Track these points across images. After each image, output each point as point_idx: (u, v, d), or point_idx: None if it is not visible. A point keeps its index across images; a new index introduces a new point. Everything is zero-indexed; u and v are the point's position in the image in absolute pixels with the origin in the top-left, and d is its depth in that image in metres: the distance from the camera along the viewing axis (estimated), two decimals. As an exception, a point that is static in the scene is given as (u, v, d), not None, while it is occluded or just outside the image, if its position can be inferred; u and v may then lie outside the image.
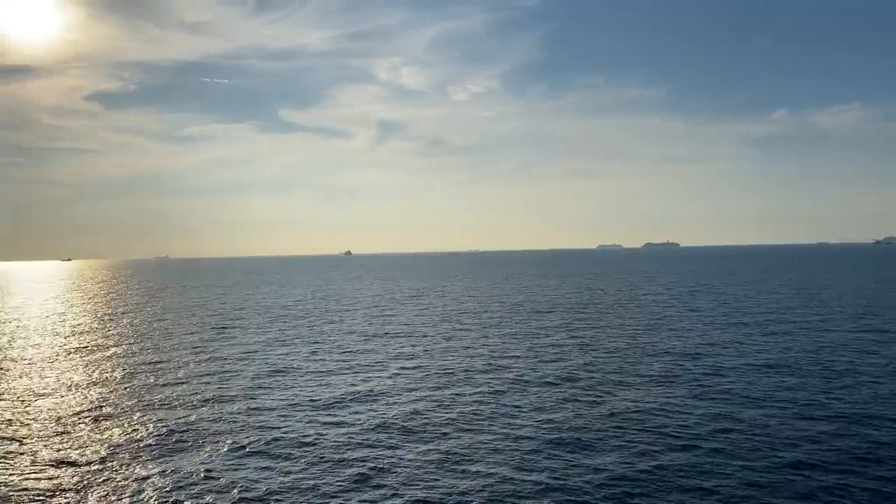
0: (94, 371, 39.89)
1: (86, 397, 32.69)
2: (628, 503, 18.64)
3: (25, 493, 20.09)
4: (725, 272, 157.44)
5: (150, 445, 24.46)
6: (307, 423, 27.12)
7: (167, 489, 20.06)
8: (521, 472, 21.00)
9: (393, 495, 19.38)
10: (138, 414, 29.09)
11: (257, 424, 26.97)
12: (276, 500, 19.21)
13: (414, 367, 38.69)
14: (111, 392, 33.81)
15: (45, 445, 24.74)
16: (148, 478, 21.07)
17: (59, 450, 24.18)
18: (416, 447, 23.66)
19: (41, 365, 42.47)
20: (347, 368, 38.90)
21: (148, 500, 19.28)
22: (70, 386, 35.56)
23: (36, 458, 23.33)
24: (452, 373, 36.80)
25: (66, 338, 56.57)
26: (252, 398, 31.67)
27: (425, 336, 52.60)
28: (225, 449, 23.85)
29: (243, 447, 24.00)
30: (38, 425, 27.57)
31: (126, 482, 20.73)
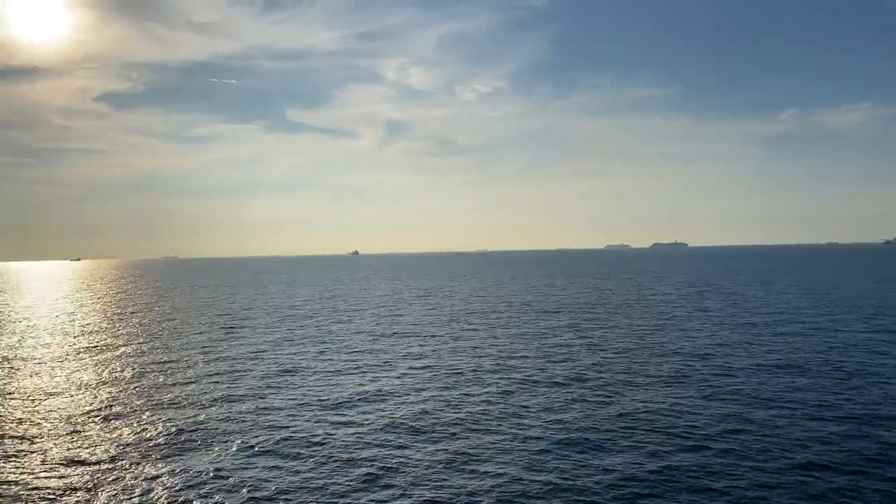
0: (103, 370, 40.05)
1: (96, 396, 32.83)
2: (638, 504, 18.61)
3: (36, 491, 20.18)
4: (734, 272, 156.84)
5: (159, 445, 24.53)
6: (316, 422, 27.15)
7: (177, 488, 20.11)
8: (530, 472, 20.97)
9: (402, 495, 19.38)
10: (148, 413, 29.19)
11: (266, 424, 27.02)
12: (286, 500, 19.23)
13: (422, 367, 38.69)
14: (121, 391, 33.94)
15: (55, 444, 24.85)
16: (158, 477, 21.14)
17: (69, 449, 24.28)
18: (425, 447, 23.66)
19: (51, 364, 42.66)
20: (356, 368, 38.93)
21: (158, 499, 19.34)
22: (80, 385, 35.71)
23: (46, 457, 23.44)
24: (461, 373, 36.78)
25: (75, 337, 56.81)
26: (261, 398, 31.74)
27: (433, 336, 52.60)
28: (234, 448, 23.90)
29: (252, 446, 24.05)
30: (49, 424, 27.69)
31: (136, 481, 20.80)
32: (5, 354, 47.30)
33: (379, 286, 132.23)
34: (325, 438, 24.86)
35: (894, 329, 50.57)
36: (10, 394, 33.87)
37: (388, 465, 21.82)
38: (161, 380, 36.68)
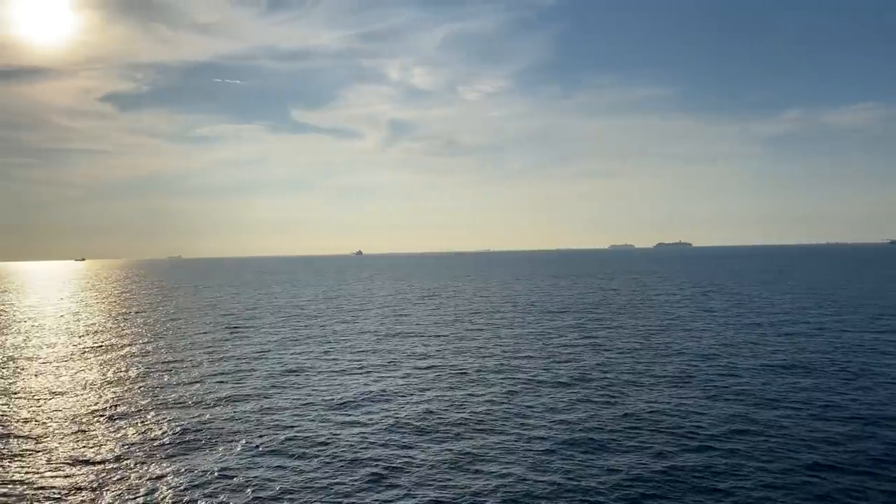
0: (108, 370, 40.13)
1: (101, 396, 32.89)
2: (643, 504, 18.57)
3: (42, 491, 20.22)
4: (738, 272, 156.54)
5: (164, 444, 24.57)
6: (321, 422, 27.16)
7: (182, 488, 20.13)
8: (535, 472, 20.95)
9: (406, 495, 19.37)
10: (153, 413, 29.24)
11: (271, 424, 27.04)
12: (291, 500, 19.24)
13: (427, 367, 38.68)
14: (126, 391, 34.00)
15: (61, 444, 24.91)
16: (163, 476, 21.16)
17: (75, 448, 24.33)
18: (430, 447, 23.65)
19: (56, 364, 42.76)
20: (360, 368, 38.95)
21: (163, 499, 19.37)
22: (85, 385, 35.78)
23: (52, 456, 23.48)
24: (465, 373, 36.77)
25: (80, 337, 56.93)
26: (266, 397, 31.76)
27: (438, 336, 52.59)
28: (239, 448, 23.92)
29: (257, 446, 24.07)
30: (54, 424, 27.75)
31: (141, 481, 20.83)
32: (11, 354, 47.42)
33: (383, 286, 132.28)
34: (329, 438, 24.87)
35: (900, 329, 50.36)
36: (15, 393, 33.96)
37: (393, 465, 21.82)
38: (166, 379, 36.74)
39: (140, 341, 53.26)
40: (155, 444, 24.56)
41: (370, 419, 27.51)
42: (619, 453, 22.59)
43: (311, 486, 20.19)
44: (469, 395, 31.51)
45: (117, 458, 23.03)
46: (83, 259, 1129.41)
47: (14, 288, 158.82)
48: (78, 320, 72.44)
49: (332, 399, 31.17)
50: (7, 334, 59.85)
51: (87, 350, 48.98)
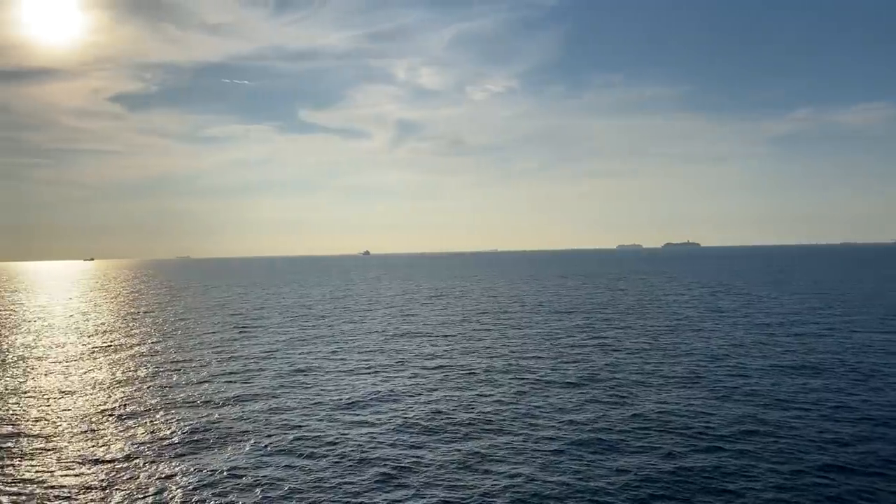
0: (118, 370, 40.29)
1: (110, 396, 33.02)
2: (652, 505, 18.53)
3: (52, 490, 20.31)
4: (747, 272, 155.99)
5: (173, 443, 24.64)
6: (329, 422, 27.20)
7: (191, 487, 20.19)
8: (543, 472, 20.92)
9: (415, 495, 19.37)
10: (162, 412, 29.33)
11: (280, 423, 27.09)
12: (300, 499, 19.26)
13: (435, 367, 38.69)
14: (135, 390, 34.12)
15: (70, 443, 25.02)
16: (172, 476, 21.23)
17: (84, 447, 24.43)
18: (438, 447, 23.64)
19: (66, 363, 42.96)
20: (368, 368, 38.98)
21: (172, 498, 19.42)
22: (95, 384, 35.93)
23: (62, 455, 23.59)
24: (474, 373, 36.75)
25: (90, 336, 57.18)
26: (274, 397, 31.82)
27: (445, 336, 52.59)
28: (248, 447, 23.97)
29: (266, 446, 24.11)
30: (64, 423, 27.88)
31: (151, 480, 20.90)
32: (21, 354, 47.67)
33: (390, 286, 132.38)
34: (338, 438, 24.89)
35: (910, 330, 50.09)
36: (26, 392, 34.13)
37: (402, 465, 21.82)
38: (175, 379, 36.85)
39: (149, 341, 53.45)
40: (164, 444, 24.64)
41: (379, 419, 27.53)
42: (628, 454, 22.54)
43: (320, 486, 20.22)
44: (477, 395, 31.49)
45: (127, 458, 23.12)
46: (92, 259, 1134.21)
47: (24, 288, 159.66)
48: (87, 320, 72.76)
49: (341, 399, 31.20)
50: (17, 334, 60.17)
51: (96, 350, 49.19)
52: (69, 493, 20.02)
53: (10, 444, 24.96)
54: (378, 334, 54.70)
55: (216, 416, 28.53)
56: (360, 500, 19.17)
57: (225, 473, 21.31)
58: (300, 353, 44.97)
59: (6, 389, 35.00)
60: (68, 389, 34.68)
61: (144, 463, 22.54)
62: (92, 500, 19.42)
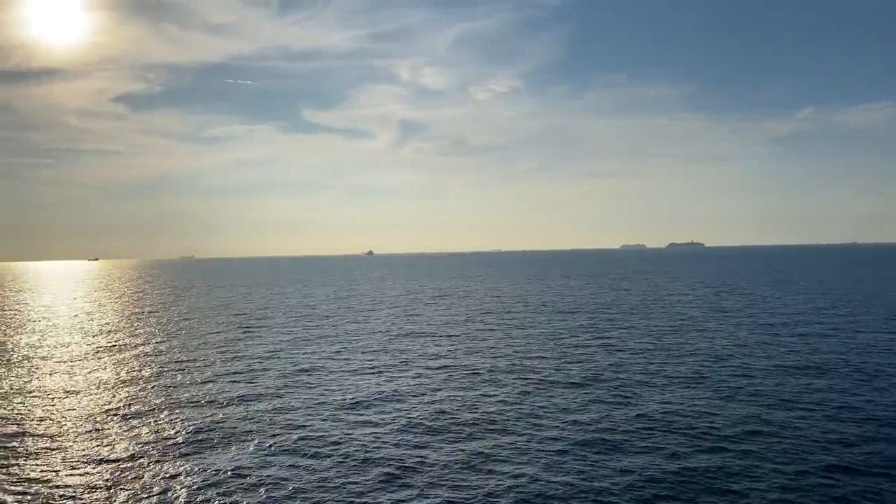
0: (122, 369, 40.37)
1: (115, 395, 33.09)
2: (656, 505, 18.51)
3: (57, 489, 20.36)
4: (751, 272, 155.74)
5: (178, 443, 24.69)
6: (333, 422, 27.22)
7: (196, 487, 20.22)
8: (547, 472, 20.91)
9: (419, 495, 19.38)
10: (166, 412, 29.38)
11: (284, 423, 27.12)
12: (304, 499, 19.29)
13: (439, 367, 38.69)
14: (140, 390, 34.19)
15: (75, 442, 25.07)
16: (177, 475, 21.26)
17: (89, 447, 24.49)
18: (442, 447, 23.65)
19: (71, 363, 43.05)
20: (372, 368, 39.00)
21: (177, 498, 19.46)
22: (99, 384, 36.01)
23: (67, 455, 23.64)
24: (477, 373, 36.76)
25: (94, 336, 57.30)
26: (278, 397, 31.87)
27: (449, 336, 52.61)
28: (252, 447, 24.00)
29: (270, 446, 24.14)
30: (69, 423, 27.94)
31: (155, 479, 20.94)
32: (26, 353, 47.79)
33: (394, 286, 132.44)
34: (342, 438, 24.91)
35: (915, 330, 49.95)
36: (30, 392, 34.22)
37: (406, 465, 21.84)
38: (179, 379, 36.92)
39: (153, 341, 53.55)
40: (168, 443, 24.69)
41: (383, 419, 27.55)
42: (633, 454, 22.53)
43: (325, 486, 20.24)
44: (481, 395, 31.50)
45: (131, 457, 23.17)
46: (96, 259, 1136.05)
47: (28, 288, 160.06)
48: (91, 320, 72.92)
49: (345, 399, 31.23)
50: (22, 334, 60.32)
51: (100, 349, 49.30)
52: (74, 492, 20.07)
53: (15, 444, 25.04)
54: (382, 334, 54.73)
55: (220, 415, 28.57)
56: (364, 500, 19.19)
57: (229, 473, 21.34)
58: (304, 353, 45.02)
59: (11, 389, 35.10)
60: (73, 389, 34.77)
61: (149, 462, 22.59)
62: (97, 500, 19.47)
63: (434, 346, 47.54)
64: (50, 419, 28.63)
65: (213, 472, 21.42)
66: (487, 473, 20.97)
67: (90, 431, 26.56)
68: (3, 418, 28.93)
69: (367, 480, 20.59)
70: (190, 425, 27.00)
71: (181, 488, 20.15)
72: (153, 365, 41.73)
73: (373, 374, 37.33)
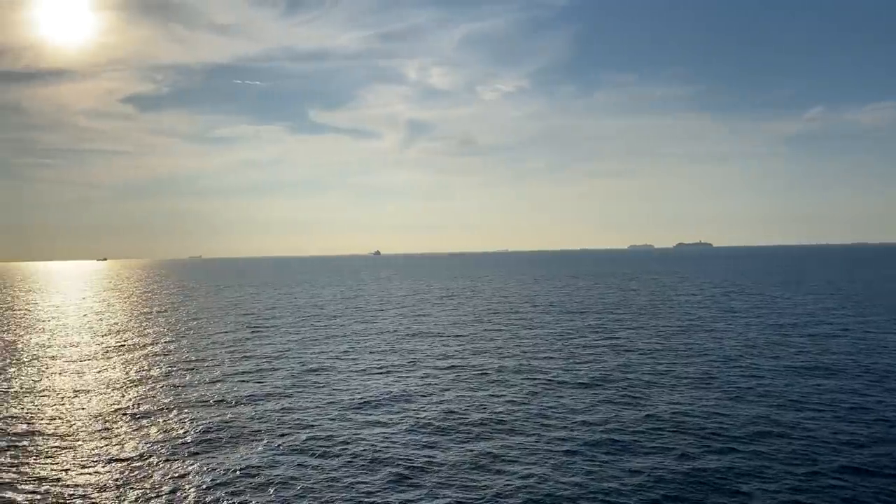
0: (131, 369, 40.52)
1: (124, 395, 33.21)
2: (666, 506, 18.46)
3: (67, 488, 20.45)
4: (759, 272, 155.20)
5: (187, 443, 24.76)
6: (342, 421, 27.25)
7: (205, 486, 20.28)
8: (556, 473, 20.88)
9: (428, 495, 19.38)
10: (175, 411, 29.47)
11: (293, 423, 27.17)
12: (313, 498, 19.31)
13: (447, 368, 38.69)
14: (149, 390, 34.30)
15: (85, 442, 25.18)
16: (186, 475, 21.33)
17: (98, 446, 24.59)
18: (451, 447, 23.64)
19: (80, 363, 43.24)
20: (381, 368, 39.03)
21: (186, 497, 19.51)
22: (108, 383, 36.15)
23: (77, 454, 23.74)
24: (486, 373, 36.74)
25: (103, 336, 57.53)
26: (287, 397, 31.92)
27: (457, 336, 52.60)
28: (261, 447, 24.05)
29: (279, 445, 24.19)
30: (79, 422, 28.06)
31: (164, 478, 21.01)
32: (36, 353, 48.03)
33: (402, 286, 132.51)
34: (351, 438, 24.94)
35: (926, 331, 49.67)
36: (41, 392, 34.38)
37: (415, 465, 21.84)
38: (188, 378, 37.03)
39: (162, 340, 53.73)
40: (178, 443, 24.76)
41: (391, 419, 27.56)
42: (642, 454, 22.47)
43: (333, 486, 20.26)
44: (490, 395, 31.48)
45: (141, 456, 23.25)
46: (105, 259, 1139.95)
47: (38, 288, 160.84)
48: (101, 320, 73.22)
49: (353, 399, 31.26)
50: (32, 333, 60.63)
51: (110, 349, 49.50)
52: (84, 491, 20.15)
53: (25, 443, 25.16)
54: (390, 334, 54.77)
55: (229, 415, 28.64)
56: (372, 499, 19.20)
57: (238, 472, 21.39)
58: (312, 353, 45.09)
59: (22, 388, 35.27)
60: (83, 388, 34.91)
61: (158, 462, 22.66)
62: (107, 499, 19.54)
63: (442, 346, 47.55)
64: (60, 418, 28.76)
65: (223, 472, 21.47)
66: (496, 473, 20.95)
67: (100, 431, 26.67)
68: (14, 417, 29.09)
69: (376, 480, 20.60)
70: (199, 425, 27.08)
71: (190, 487, 20.20)
72: (162, 364, 41.87)
73: (381, 374, 37.35)
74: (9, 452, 24.07)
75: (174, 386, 35.12)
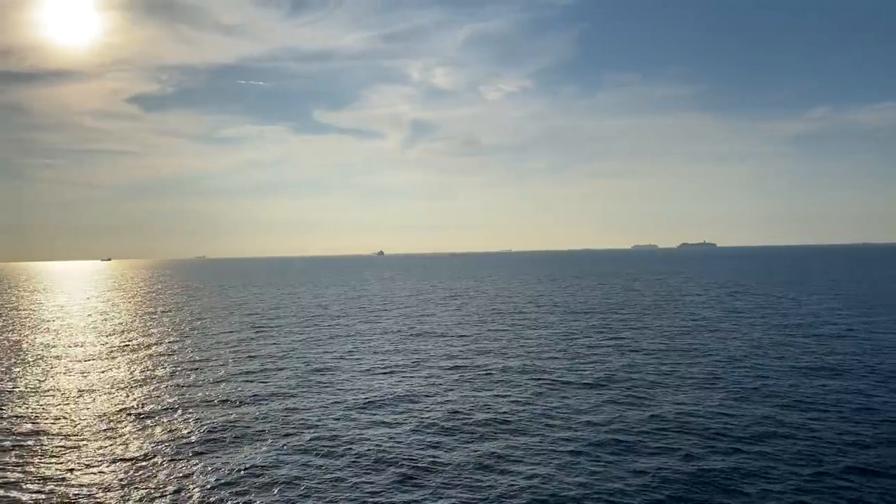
0: (136, 369, 40.58)
1: (129, 395, 33.26)
2: (671, 507, 18.42)
3: (71, 488, 20.48)
4: (764, 273, 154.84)
5: (191, 442, 24.78)
6: (346, 422, 27.25)
7: (209, 486, 20.29)
8: (561, 473, 20.85)
9: (432, 495, 19.37)
10: (180, 411, 29.50)
11: (297, 423, 27.17)
12: (317, 498, 19.31)
13: (451, 368, 38.67)
14: (153, 389, 34.34)
15: (89, 442, 25.21)
16: (190, 475, 21.34)
17: (103, 446, 24.62)
18: (455, 447, 23.62)
19: (85, 362, 43.31)
20: (385, 368, 39.02)
21: (190, 497, 19.53)
22: (113, 383, 36.20)
23: (81, 454, 23.78)
24: (490, 373, 36.71)
25: (108, 336, 57.63)
26: (291, 397, 31.93)
27: (462, 336, 52.57)
28: (265, 447, 24.06)
29: (283, 445, 24.19)
30: (84, 422, 28.10)
31: (169, 478, 21.02)
32: (40, 353, 48.12)
33: (405, 286, 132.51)
34: (355, 438, 24.93)
35: (931, 331, 49.51)
36: (45, 391, 34.44)
37: (419, 465, 21.83)
38: (192, 378, 37.06)
39: (167, 340, 53.80)
40: (182, 442, 24.78)
41: (395, 419, 27.55)
42: (646, 455, 22.43)
43: (338, 486, 20.26)
44: (494, 395, 31.45)
45: (145, 456, 23.27)
46: (109, 259, 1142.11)
47: (42, 288, 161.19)
48: (105, 319, 73.35)
49: (358, 399, 31.26)
50: (37, 333, 60.76)
51: (114, 349, 49.58)
52: (89, 491, 20.18)
53: (30, 443, 25.21)
54: (394, 334, 54.77)
55: (234, 415, 28.66)
56: (377, 499, 19.19)
57: (243, 472, 21.40)
58: (316, 353, 45.10)
59: (26, 388, 35.34)
60: (87, 388, 34.97)
61: (163, 461, 22.68)
62: (111, 499, 19.56)
63: (446, 346, 47.53)
64: (65, 418, 28.81)
65: (227, 472, 21.48)
66: (501, 474, 20.93)
67: (105, 430, 26.71)
68: (19, 417, 29.15)
69: (381, 480, 20.59)
70: (203, 425, 27.10)
71: (195, 487, 20.22)
72: (167, 364, 41.92)
73: (385, 374, 37.35)
74: (14, 452, 24.13)
75: (179, 386, 35.17)
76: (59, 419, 28.66)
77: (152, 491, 20.02)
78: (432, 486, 20.08)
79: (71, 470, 22.08)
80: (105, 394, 33.61)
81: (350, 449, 23.67)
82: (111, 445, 24.68)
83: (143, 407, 30.54)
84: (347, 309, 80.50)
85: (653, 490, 19.35)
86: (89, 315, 79.36)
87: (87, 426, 27.41)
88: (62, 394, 33.77)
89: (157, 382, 36.24)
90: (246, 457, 22.98)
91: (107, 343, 52.97)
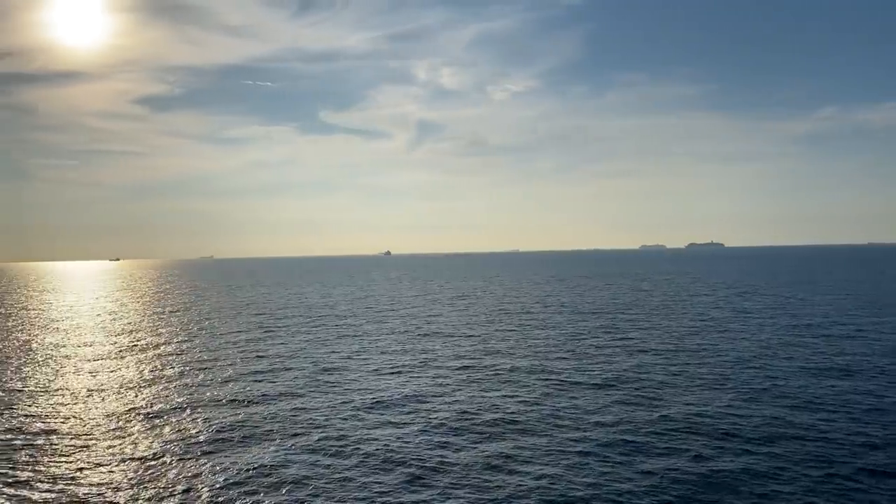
0: (145, 369, 40.72)
1: (138, 394, 33.38)
2: (680, 507, 18.37)
3: (81, 487, 20.57)
4: (772, 273, 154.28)
5: (200, 442, 24.85)
6: (354, 421, 27.28)
7: (218, 485, 20.34)
8: (569, 474, 20.82)
9: (441, 495, 19.37)
10: (188, 411, 29.59)
11: (305, 423, 27.22)
12: (325, 498, 19.34)
13: (459, 368, 38.66)
14: (162, 389, 34.45)
15: (99, 441, 25.31)
16: (199, 474, 21.40)
17: (112, 445, 24.72)
18: (464, 447, 23.62)
19: (94, 362, 43.49)
20: (393, 368, 39.05)
21: (199, 496, 19.59)
22: (122, 383, 36.34)
23: (91, 453, 23.88)
24: (498, 373, 36.68)
25: (117, 336, 57.85)
26: (299, 396, 31.98)
27: (469, 336, 52.56)
28: (274, 447, 24.10)
29: (291, 445, 24.23)
30: (93, 421, 28.22)
31: (178, 478, 21.09)
32: (50, 353, 48.34)
33: (412, 286, 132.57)
34: (363, 438, 24.96)
35: (942, 332, 49.22)
36: (55, 391, 34.60)
37: (428, 465, 21.83)
38: (201, 378, 37.16)
39: (175, 340, 53.97)
40: (191, 442, 24.86)
41: (403, 419, 27.56)
42: (655, 456, 22.37)
43: (346, 485, 20.28)
44: (502, 395, 31.43)
45: (154, 455, 23.35)
46: (117, 259, 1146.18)
47: (51, 288, 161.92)
48: (114, 319, 73.64)
49: (366, 399, 31.28)
50: (46, 333, 61.04)
51: (123, 349, 49.77)
52: (98, 490, 20.26)
53: (40, 442, 25.33)
54: (401, 334, 54.79)
55: (242, 415, 28.72)
56: (385, 499, 19.20)
57: (251, 472, 21.45)
58: (324, 353, 45.17)
59: (37, 388, 35.51)
60: (97, 388, 35.11)
61: (172, 461, 22.76)
62: (121, 498, 19.64)
63: (454, 346, 47.52)
64: (74, 417, 28.93)
65: (236, 471, 21.54)
66: (509, 474, 20.92)
67: (114, 430, 26.82)
68: (28, 416, 29.29)
69: (389, 480, 20.61)
70: (212, 424, 27.17)
71: (204, 487, 20.27)
72: (175, 364, 42.05)
73: (393, 374, 37.37)
74: (24, 451, 24.25)
75: (187, 385, 35.27)
76: (69, 418, 28.79)
77: (161, 490, 20.09)
78: (441, 486, 20.08)
79: (81, 469, 22.18)
80: (114, 393, 33.75)
81: (358, 449, 23.69)
82: (121, 445, 24.78)
83: (152, 406, 30.64)
84: (355, 309, 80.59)
85: (662, 491, 19.31)
86: (98, 315, 79.69)
87: (96, 425, 27.52)
88: (72, 393, 33.92)
89: (166, 382, 36.36)
90: (254, 456, 23.03)
91: (116, 343, 53.19)
